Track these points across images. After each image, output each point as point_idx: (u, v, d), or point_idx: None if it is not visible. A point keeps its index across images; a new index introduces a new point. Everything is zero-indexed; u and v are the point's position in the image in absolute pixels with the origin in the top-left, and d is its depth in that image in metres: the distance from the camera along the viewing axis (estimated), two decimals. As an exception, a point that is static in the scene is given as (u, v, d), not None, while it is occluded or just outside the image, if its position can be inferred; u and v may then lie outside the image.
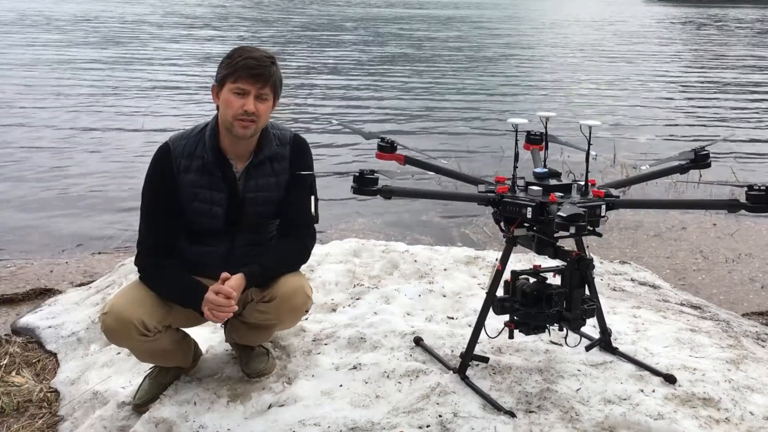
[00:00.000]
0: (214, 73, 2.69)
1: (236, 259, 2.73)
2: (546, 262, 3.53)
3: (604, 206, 2.70)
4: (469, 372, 2.91)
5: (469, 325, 3.15)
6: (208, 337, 3.27)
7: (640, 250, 5.56)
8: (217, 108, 2.68)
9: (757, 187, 2.58)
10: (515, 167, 2.82)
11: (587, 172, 2.82)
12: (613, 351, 3.12)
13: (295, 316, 2.87)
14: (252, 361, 3.01)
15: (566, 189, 2.77)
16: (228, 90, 2.60)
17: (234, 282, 2.58)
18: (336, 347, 3.21)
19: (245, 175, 2.74)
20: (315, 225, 2.83)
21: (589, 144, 2.83)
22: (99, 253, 5.33)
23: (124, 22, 25.25)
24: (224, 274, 2.59)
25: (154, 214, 2.74)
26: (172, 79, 13.76)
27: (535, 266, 2.74)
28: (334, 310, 3.66)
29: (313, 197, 2.76)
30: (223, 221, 2.74)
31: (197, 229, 2.76)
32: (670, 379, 2.90)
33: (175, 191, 2.70)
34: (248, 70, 2.57)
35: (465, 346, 2.93)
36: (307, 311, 2.88)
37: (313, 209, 2.77)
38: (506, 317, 2.76)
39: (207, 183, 2.70)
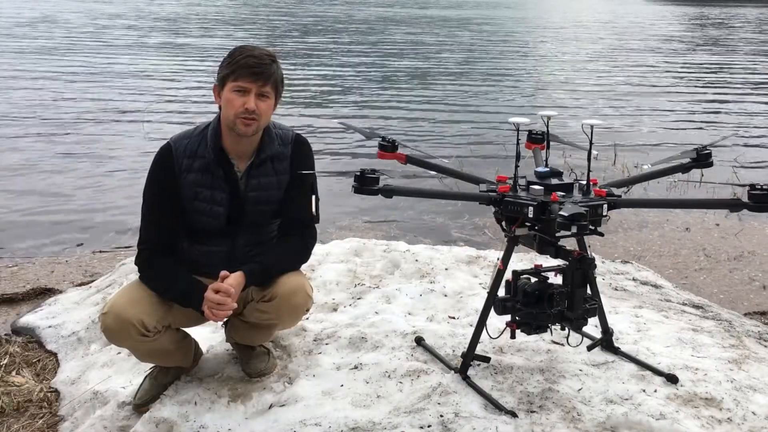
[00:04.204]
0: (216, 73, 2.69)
1: (237, 258, 2.73)
2: (547, 261, 3.52)
3: (605, 205, 2.70)
4: (470, 372, 2.90)
5: (471, 325, 3.14)
6: (209, 336, 3.27)
7: (644, 249, 5.55)
8: (219, 108, 2.68)
9: (759, 187, 2.58)
10: (516, 166, 2.81)
11: (589, 171, 2.81)
12: (615, 351, 3.11)
13: (295, 315, 2.87)
14: (253, 360, 3.00)
15: (568, 188, 2.76)
16: (229, 89, 2.60)
17: (233, 280, 2.58)
18: (337, 347, 3.20)
19: (247, 175, 2.74)
20: (316, 225, 2.83)
21: (591, 143, 2.82)
22: (99, 252, 5.33)
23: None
24: (223, 273, 2.59)
25: (156, 213, 2.73)
26: (175, 78, 13.75)
27: (536, 266, 2.73)
28: (335, 310, 3.65)
29: (314, 197, 2.76)
30: (224, 221, 2.73)
31: (198, 228, 2.75)
32: (672, 379, 2.90)
33: (176, 191, 2.69)
34: (249, 68, 2.57)
35: (466, 345, 2.92)
36: (307, 310, 2.87)
37: (314, 209, 2.77)
38: (508, 317, 2.75)
39: (209, 182, 2.70)
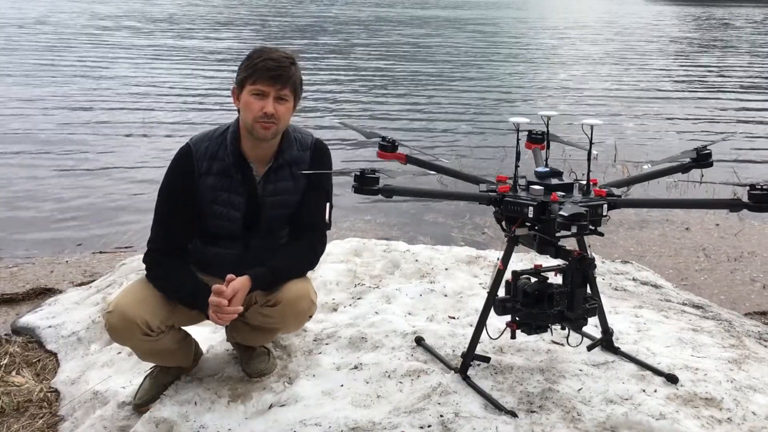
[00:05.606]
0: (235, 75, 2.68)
1: (249, 262, 2.69)
2: (547, 261, 3.52)
3: (605, 205, 2.69)
4: (470, 372, 2.90)
5: (471, 325, 3.14)
6: (209, 336, 3.27)
7: (644, 249, 5.55)
8: (238, 111, 2.67)
9: (759, 187, 2.58)
10: (516, 166, 2.81)
11: (589, 171, 2.81)
12: (615, 351, 3.12)
13: (298, 321, 2.86)
14: (253, 360, 3.00)
15: (568, 188, 2.76)
16: (248, 92, 2.59)
17: (238, 283, 2.56)
18: (337, 347, 3.20)
19: (265, 179, 2.73)
20: (327, 232, 2.83)
21: (591, 143, 2.82)
22: (99, 252, 5.32)
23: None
24: (229, 276, 2.57)
25: (169, 214, 2.72)
26: (174, 81, 13.75)
27: (536, 266, 2.73)
28: (335, 310, 3.65)
29: (328, 204, 2.76)
30: (240, 225, 2.73)
31: (214, 231, 2.75)
32: (672, 379, 2.90)
33: (193, 194, 2.68)
34: (267, 71, 2.55)
35: (466, 345, 2.92)
36: (310, 317, 2.86)
37: (327, 216, 2.76)
38: (508, 317, 2.75)
39: (227, 186, 2.69)
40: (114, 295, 3.53)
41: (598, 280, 3.82)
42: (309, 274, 2.87)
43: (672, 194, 6.90)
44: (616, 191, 2.86)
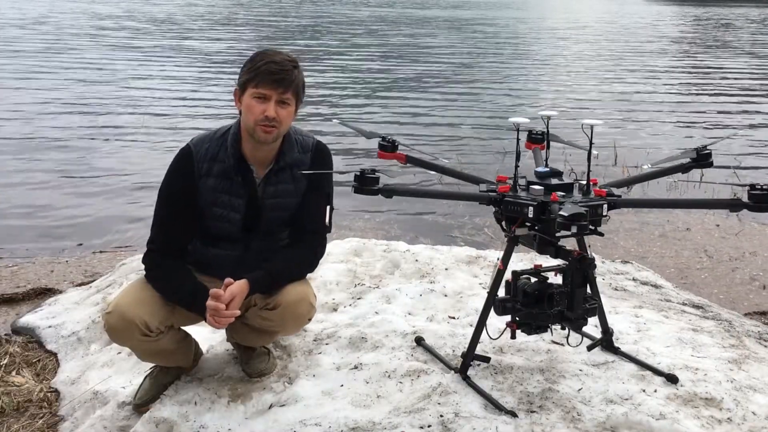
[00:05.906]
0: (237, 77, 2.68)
1: (249, 263, 2.70)
2: (547, 261, 3.52)
3: (605, 205, 2.70)
4: (470, 372, 2.90)
5: (471, 325, 3.14)
6: (209, 336, 3.27)
7: (645, 249, 5.55)
8: (240, 112, 2.67)
9: (759, 187, 2.58)
10: (516, 166, 2.81)
11: (589, 171, 2.81)
12: (615, 351, 3.11)
13: (298, 324, 2.86)
14: (253, 360, 3.00)
15: (568, 188, 2.76)
16: (249, 95, 2.58)
17: (236, 287, 2.56)
18: (337, 347, 3.20)
19: (265, 181, 2.73)
20: (327, 234, 2.83)
21: (591, 143, 2.82)
22: (99, 252, 5.32)
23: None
24: (227, 280, 2.57)
25: (169, 216, 2.71)
26: (173, 83, 13.76)
27: (536, 266, 2.73)
28: (335, 310, 3.65)
29: (328, 207, 2.76)
30: (240, 227, 2.73)
31: (214, 232, 2.74)
32: (672, 379, 2.90)
33: (193, 196, 2.68)
34: (270, 75, 2.54)
35: (466, 345, 2.92)
36: (309, 319, 2.86)
37: (327, 219, 2.76)
38: (508, 317, 2.75)
39: (227, 188, 2.69)
40: (114, 295, 3.54)
41: (598, 280, 3.82)
42: (309, 275, 2.87)
43: (672, 194, 6.90)
44: (616, 191, 2.87)
